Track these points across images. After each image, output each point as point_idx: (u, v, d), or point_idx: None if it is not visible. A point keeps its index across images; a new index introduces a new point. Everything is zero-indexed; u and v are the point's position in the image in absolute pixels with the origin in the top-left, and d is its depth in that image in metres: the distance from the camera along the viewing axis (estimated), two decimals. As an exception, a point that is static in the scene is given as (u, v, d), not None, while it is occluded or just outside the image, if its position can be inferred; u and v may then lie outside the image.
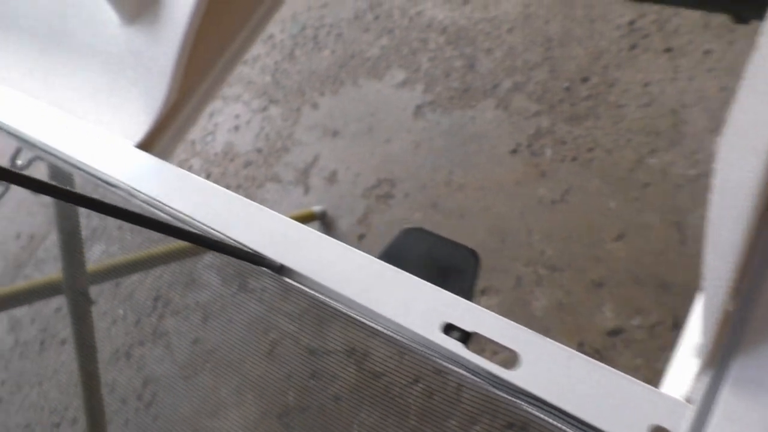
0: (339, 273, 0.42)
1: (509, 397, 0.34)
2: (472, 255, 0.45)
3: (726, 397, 0.31)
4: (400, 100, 1.62)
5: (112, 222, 1.72)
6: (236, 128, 1.74)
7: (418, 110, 1.59)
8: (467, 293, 0.39)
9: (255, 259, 0.43)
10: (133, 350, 1.46)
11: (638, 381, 0.33)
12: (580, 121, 1.41)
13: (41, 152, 0.49)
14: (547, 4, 1.60)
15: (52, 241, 1.72)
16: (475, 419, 0.40)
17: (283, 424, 1.27)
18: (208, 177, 1.69)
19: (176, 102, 0.46)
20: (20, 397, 1.49)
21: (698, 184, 1.25)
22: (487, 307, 0.39)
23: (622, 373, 0.34)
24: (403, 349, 0.39)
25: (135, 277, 1.59)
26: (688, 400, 0.33)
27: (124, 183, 0.44)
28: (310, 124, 1.67)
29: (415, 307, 0.38)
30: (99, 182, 0.46)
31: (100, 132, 0.46)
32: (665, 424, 0.32)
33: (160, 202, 0.44)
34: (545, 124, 1.45)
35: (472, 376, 0.36)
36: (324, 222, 1.48)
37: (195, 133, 1.79)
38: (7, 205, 1.84)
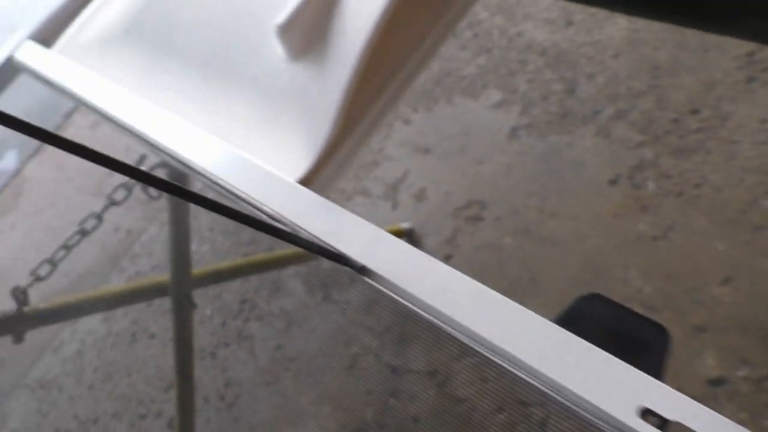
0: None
1: None
2: (661, 330, 0.42)
3: None
4: (495, 121, 1.59)
5: (204, 223, 1.77)
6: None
7: (514, 132, 1.56)
8: (658, 374, 0.37)
9: (343, 261, 0.43)
10: (218, 351, 1.51)
11: None
12: (688, 155, 1.35)
13: (193, 174, 0.50)
14: (656, 30, 1.54)
15: (148, 237, 1.79)
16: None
17: (362, 440, 1.27)
18: (297, 185, 1.72)
19: (339, 136, 0.46)
20: (110, 385, 1.56)
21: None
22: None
23: None
24: (580, 421, 0.37)
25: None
26: None
27: (287, 218, 0.45)
28: (401, 140, 1.67)
29: (605, 384, 0.36)
30: (256, 211, 0.47)
31: (262, 165, 0.47)
32: None
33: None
34: (649, 156, 1.39)
35: None
36: (411, 239, 1.48)
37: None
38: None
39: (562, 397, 0.37)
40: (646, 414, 0.35)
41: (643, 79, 1.49)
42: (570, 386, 0.36)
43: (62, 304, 0.96)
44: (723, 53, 1.43)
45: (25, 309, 0.88)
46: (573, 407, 0.37)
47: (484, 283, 0.45)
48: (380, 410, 1.30)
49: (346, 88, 0.45)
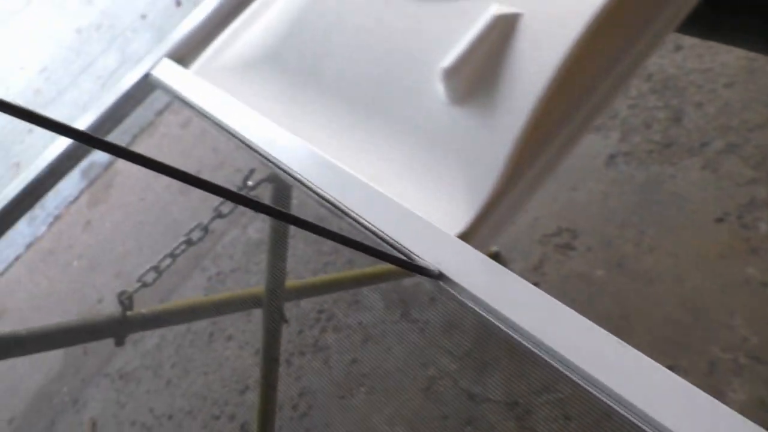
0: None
1: None
2: None
3: None
4: (592, 147, 1.53)
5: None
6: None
7: (611, 160, 1.49)
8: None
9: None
10: (293, 359, 1.51)
11: None
12: None
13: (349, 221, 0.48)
14: (776, 60, 1.44)
15: (230, 239, 1.82)
16: None
17: (435, 468, 1.24)
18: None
19: (504, 188, 0.44)
20: (186, 383, 1.59)
21: None
22: None
23: None
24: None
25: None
26: None
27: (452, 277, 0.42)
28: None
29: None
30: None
31: (419, 218, 0.45)
32: None
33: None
34: (762, 195, 1.30)
35: None
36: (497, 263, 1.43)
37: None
38: (194, 198, 1.98)
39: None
40: None
41: (759, 110, 1.40)
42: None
43: (164, 310, 0.98)
44: None
45: (129, 313, 0.90)
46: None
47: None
48: (456, 438, 1.26)
49: (516, 138, 0.42)
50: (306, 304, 1.60)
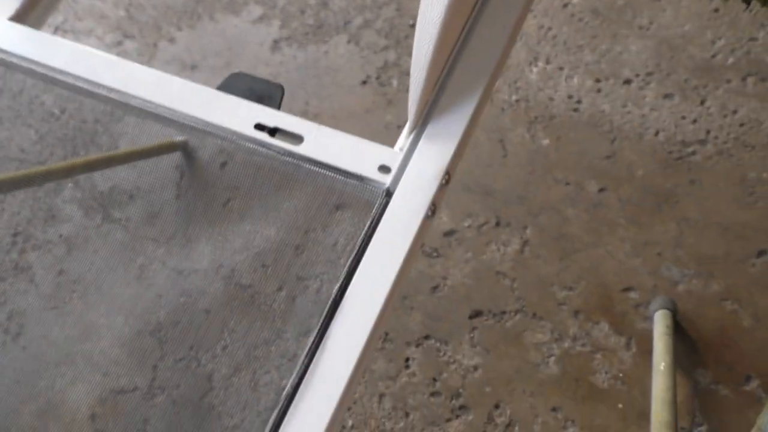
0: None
1: (299, 162, 0.53)
2: (280, 87, 0.62)
3: (422, 142, 0.53)
4: (258, 35, 1.68)
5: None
6: (90, 63, 1.72)
7: (275, 45, 1.66)
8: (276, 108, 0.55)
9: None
10: (-7, 286, 1.46)
11: (373, 143, 0.55)
12: (422, 54, 1.58)
13: None
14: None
15: None
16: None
17: (157, 339, 1.35)
18: (62, 113, 1.67)
19: None
20: None
21: (517, 107, 1.46)
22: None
23: (363, 139, 0.55)
24: (225, 142, 0.55)
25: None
26: (401, 149, 0.54)
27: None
28: (167, 59, 1.69)
29: (237, 115, 0.54)
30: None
31: None
32: (387, 163, 0.54)
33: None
34: (392, 58, 1.59)
35: (277, 154, 0.54)
36: (185, 151, 1.54)
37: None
38: None
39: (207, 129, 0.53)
40: (259, 127, 0.52)
41: (383, -10, 1.67)
42: (215, 121, 0.52)
43: None
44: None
45: None
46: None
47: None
48: (172, 309, 1.38)
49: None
50: (-3, 230, 1.53)
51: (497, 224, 1.34)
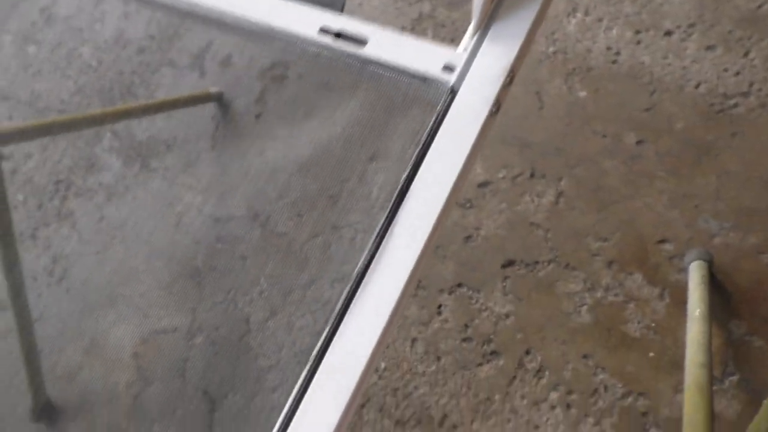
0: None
1: (363, 65, 0.55)
2: None
3: (486, 42, 0.53)
4: None
5: None
6: (126, 15, 1.73)
7: None
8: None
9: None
10: (38, 232, 1.50)
11: (437, 44, 0.56)
12: (458, 6, 1.56)
13: None
14: None
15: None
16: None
17: (196, 283, 1.39)
18: (99, 65, 1.69)
19: None
20: None
21: (555, 59, 1.44)
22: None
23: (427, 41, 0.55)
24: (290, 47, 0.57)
25: (31, 163, 1.60)
26: (465, 49, 0.55)
27: None
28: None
29: (301, 20, 0.58)
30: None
31: None
32: (451, 62, 0.54)
33: None
34: (427, 9, 1.58)
35: (342, 56, 0.57)
36: (220, 102, 1.55)
37: (81, 20, 1.76)
38: None
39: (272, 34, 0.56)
40: (323, 31, 0.56)
41: (419, -61, 1.64)
42: (280, 26, 0.57)
43: None
44: None
45: None
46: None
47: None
48: (209, 255, 1.41)
49: None
50: (40, 179, 1.57)
51: (532, 175, 1.34)
